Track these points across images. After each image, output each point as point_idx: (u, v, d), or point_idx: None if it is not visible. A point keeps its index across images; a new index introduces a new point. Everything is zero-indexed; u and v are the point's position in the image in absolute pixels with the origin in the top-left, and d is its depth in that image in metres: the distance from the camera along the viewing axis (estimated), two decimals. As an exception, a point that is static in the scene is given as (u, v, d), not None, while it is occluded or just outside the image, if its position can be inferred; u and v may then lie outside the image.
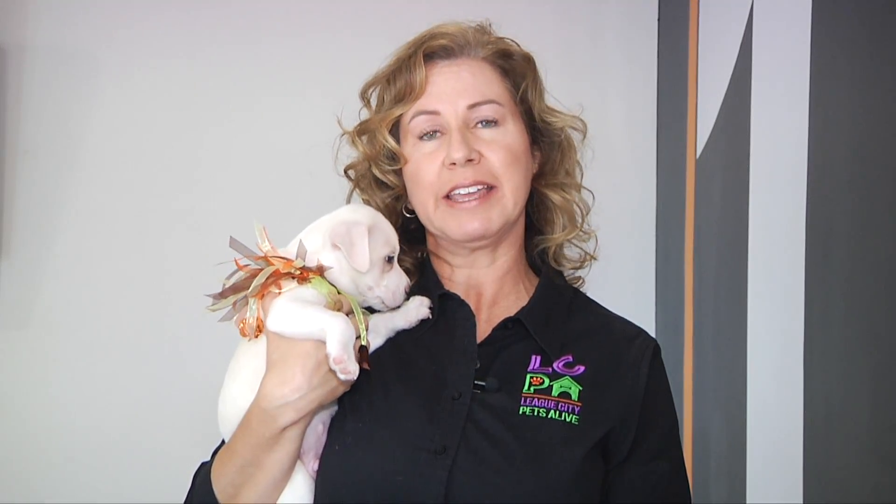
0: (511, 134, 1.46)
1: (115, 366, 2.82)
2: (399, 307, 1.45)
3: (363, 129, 1.52)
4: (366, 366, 1.36)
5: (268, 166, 2.84)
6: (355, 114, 1.55)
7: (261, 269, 1.38)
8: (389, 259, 1.41)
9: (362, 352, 1.36)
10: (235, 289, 1.38)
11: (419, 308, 1.44)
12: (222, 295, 1.39)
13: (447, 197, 1.44)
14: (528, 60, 1.50)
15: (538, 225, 1.56)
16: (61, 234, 2.83)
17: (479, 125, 1.45)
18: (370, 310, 1.45)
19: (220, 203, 2.83)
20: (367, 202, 1.55)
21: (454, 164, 1.42)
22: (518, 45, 1.52)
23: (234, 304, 1.39)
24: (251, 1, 2.89)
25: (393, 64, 1.48)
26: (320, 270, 1.38)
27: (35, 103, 2.82)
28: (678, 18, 2.60)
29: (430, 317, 1.44)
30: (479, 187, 1.43)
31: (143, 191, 2.86)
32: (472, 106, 1.44)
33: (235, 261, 1.39)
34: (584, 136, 1.55)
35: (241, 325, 1.38)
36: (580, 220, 1.54)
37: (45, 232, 2.82)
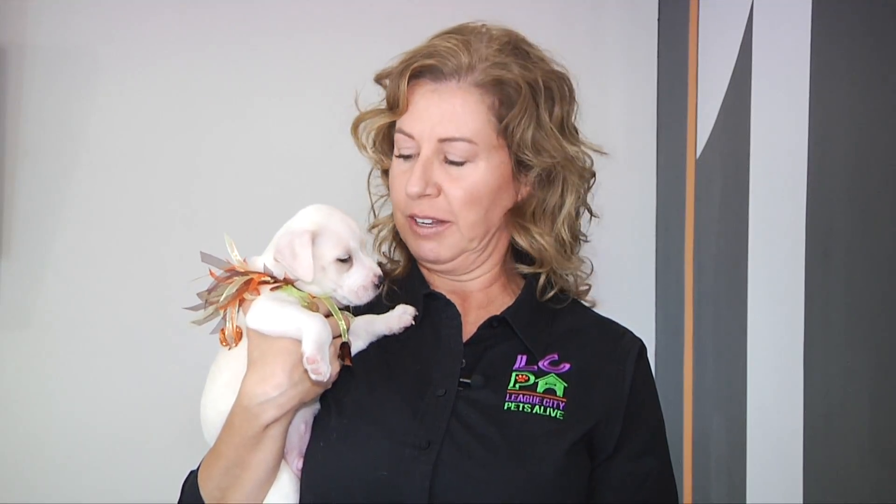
0: (480, 172, 1.42)
1: (115, 366, 2.81)
2: (383, 312, 1.46)
3: (361, 118, 1.53)
4: (348, 362, 1.37)
5: (269, 165, 2.84)
6: (348, 119, 1.55)
7: (238, 277, 1.39)
8: (345, 259, 1.40)
9: (344, 348, 1.37)
10: (212, 296, 1.40)
11: (402, 316, 1.44)
12: (208, 301, 1.40)
13: (410, 217, 1.46)
14: (520, 90, 1.41)
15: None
16: (61, 234, 2.82)
17: (450, 157, 1.43)
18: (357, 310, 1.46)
19: (220, 203, 2.82)
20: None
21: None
22: (519, 69, 1.42)
23: (224, 313, 1.39)
24: (251, 1, 2.89)
25: (398, 65, 1.46)
26: (287, 282, 1.39)
27: (35, 103, 2.82)
28: (678, 18, 2.60)
29: (413, 323, 1.44)
30: (433, 221, 1.44)
31: (143, 190, 2.85)
32: (444, 140, 1.42)
33: (211, 272, 1.40)
34: (591, 182, 1.50)
35: (221, 334, 1.40)
36: (560, 260, 1.48)
37: (45, 232, 2.82)
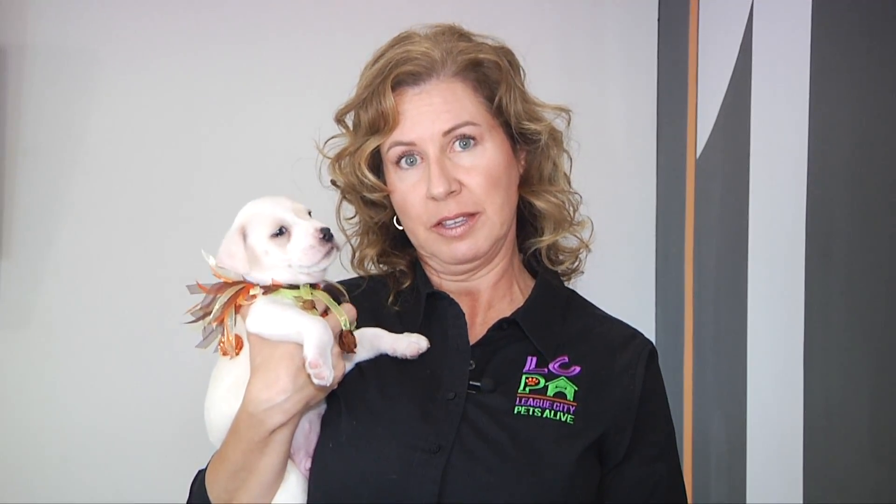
0: (489, 153, 1.44)
1: (114, 366, 2.82)
2: (387, 314, 1.46)
3: (342, 156, 1.51)
4: (353, 350, 1.37)
5: (270, 165, 2.83)
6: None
7: (229, 289, 1.38)
8: (281, 233, 1.37)
9: (348, 338, 1.36)
10: (205, 310, 1.39)
11: (411, 345, 1.42)
12: (204, 313, 1.39)
13: (436, 225, 1.44)
14: (499, 67, 1.45)
15: (530, 220, 1.55)
16: (61, 234, 2.83)
17: (458, 146, 1.43)
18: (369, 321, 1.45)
19: (220, 202, 2.80)
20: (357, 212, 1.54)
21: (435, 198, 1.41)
22: (488, 46, 1.47)
23: (223, 322, 1.38)
24: (251, 2, 2.89)
25: (363, 91, 1.46)
26: (274, 286, 1.37)
27: (35, 103, 2.82)
28: (678, 18, 2.60)
29: (417, 355, 1.42)
30: (464, 217, 1.43)
31: (143, 190, 2.85)
32: (448, 132, 1.42)
33: (201, 286, 1.40)
34: (569, 123, 1.52)
35: (221, 345, 1.39)
36: (570, 217, 1.53)
37: (45, 232, 2.82)
